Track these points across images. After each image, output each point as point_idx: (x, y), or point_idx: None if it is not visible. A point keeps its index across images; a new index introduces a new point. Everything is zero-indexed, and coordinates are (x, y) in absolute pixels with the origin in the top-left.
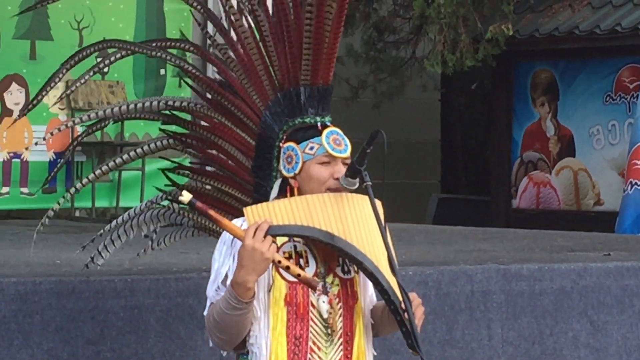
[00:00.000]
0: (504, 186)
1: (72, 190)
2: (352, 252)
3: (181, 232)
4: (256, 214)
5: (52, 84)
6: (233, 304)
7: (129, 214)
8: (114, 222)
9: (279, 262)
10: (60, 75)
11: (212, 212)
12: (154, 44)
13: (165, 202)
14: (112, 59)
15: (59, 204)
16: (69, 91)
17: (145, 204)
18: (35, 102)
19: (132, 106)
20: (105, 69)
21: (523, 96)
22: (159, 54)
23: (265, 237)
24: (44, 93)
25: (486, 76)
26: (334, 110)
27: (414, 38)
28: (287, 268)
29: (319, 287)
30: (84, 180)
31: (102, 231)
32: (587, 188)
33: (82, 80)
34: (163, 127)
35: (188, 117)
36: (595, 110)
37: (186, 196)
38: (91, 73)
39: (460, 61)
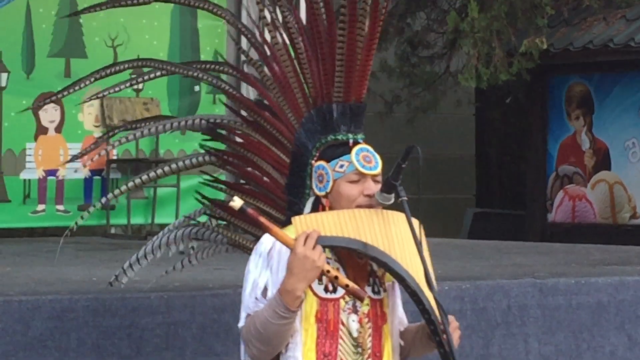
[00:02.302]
0: (540, 200)
1: (104, 200)
2: (397, 269)
3: (214, 249)
4: (304, 224)
5: (77, 88)
6: (280, 313)
7: (162, 232)
8: (150, 240)
9: (328, 271)
10: (87, 82)
11: (262, 219)
12: (194, 66)
13: (202, 218)
14: (147, 77)
15: (82, 218)
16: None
17: (181, 220)
18: (58, 96)
19: (169, 125)
20: (140, 86)
21: (558, 110)
22: (195, 74)
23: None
24: (66, 92)
25: (520, 90)
26: (368, 125)
27: (448, 52)
28: (335, 278)
29: (366, 297)
30: (116, 192)
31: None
32: (623, 201)
33: (108, 92)
34: (202, 142)
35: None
36: (630, 123)
37: (237, 202)
38: (122, 87)
39: (494, 75)
